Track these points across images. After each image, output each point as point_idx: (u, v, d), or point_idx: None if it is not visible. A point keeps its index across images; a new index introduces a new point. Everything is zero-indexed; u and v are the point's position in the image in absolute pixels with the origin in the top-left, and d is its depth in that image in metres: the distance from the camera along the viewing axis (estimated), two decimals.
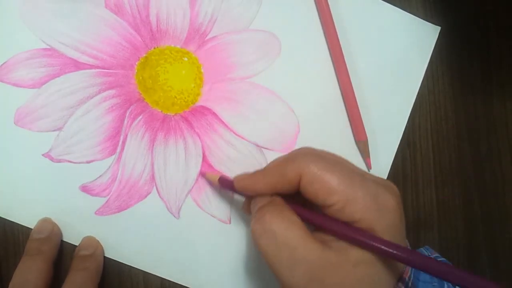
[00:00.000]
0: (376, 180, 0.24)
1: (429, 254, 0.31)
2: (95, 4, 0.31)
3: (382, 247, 0.21)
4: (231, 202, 0.32)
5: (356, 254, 0.22)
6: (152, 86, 0.32)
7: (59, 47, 0.31)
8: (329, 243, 0.23)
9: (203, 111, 0.32)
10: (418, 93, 0.35)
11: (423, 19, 0.35)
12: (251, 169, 0.28)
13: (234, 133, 0.33)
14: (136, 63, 0.32)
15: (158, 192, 0.32)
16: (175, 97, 0.32)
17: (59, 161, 0.31)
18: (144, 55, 0.32)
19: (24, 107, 0.31)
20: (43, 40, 0.31)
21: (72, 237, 0.31)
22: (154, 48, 0.32)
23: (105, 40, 0.31)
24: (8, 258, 0.31)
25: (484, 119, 0.36)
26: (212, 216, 0.32)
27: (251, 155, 0.33)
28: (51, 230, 0.29)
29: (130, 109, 0.32)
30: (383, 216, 0.23)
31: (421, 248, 0.32)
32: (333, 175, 0.23)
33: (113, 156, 0.31)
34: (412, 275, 0.25)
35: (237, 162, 0.33)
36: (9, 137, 0.30)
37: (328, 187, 0.23)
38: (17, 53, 0.31)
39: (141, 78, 0.32)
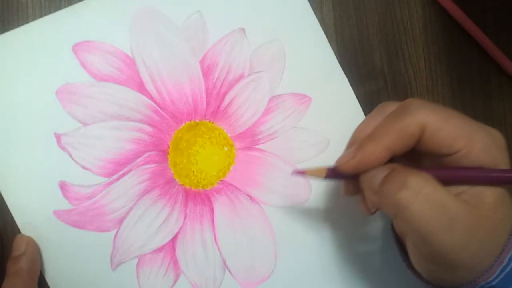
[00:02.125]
0: (482, 124, 0.24)
1: None
2: (194, 53, 0.32)
3: None
4: None
5: (490, 199, 0.22)
6: (182, 149, 0.32)
7: (139, 62, 0.32)
8: (461, 196, 0.23)
9: (205, 200, 0.32)
10: (418, 93, 0.35)
11: (422, 18, 0.35)
12: (204, 275, 0.30)
13: (214, 238, 0.32)
14: (186, 121, 0.32)
15: (115, 236, 0.31)
16: (193, 171, 0.32)
17: (62, 148, 0.31)
18: (197, 120, 0.32)
19: (73, 85, 0.31)
20: (132, 48, 0.32)
21: (21, 211, 0.31)
22: (209, 121, 0.32)
23: (178, 86, 0.32)
24: (8, 258, 0.31)
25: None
26: None
27: (213, 267, 0.32)
28: (26, 245, 0.29)
29: (150, 153, 0.32)
30: (501, 154, 0.23)
31: None
32: (456, 120, 0.23)
33: (106, 179, 0.31)
34: None
35: (197, 264, 0.32)
36: (42, 99, 0.31)
37: (455, 132, 0.22)
38: (105, 42, 0.32)
39: (180, 136, 0.32)
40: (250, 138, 0.33)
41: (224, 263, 0.32)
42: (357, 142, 0.24)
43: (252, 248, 0.32)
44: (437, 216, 0.21)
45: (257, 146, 0.33)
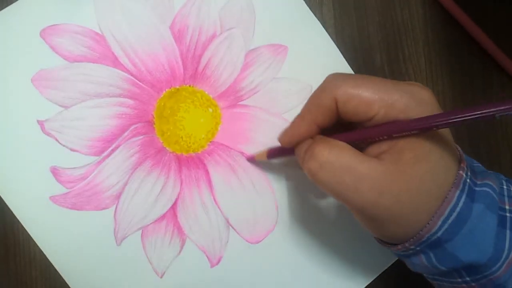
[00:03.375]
0: (407, 83, 0.24)
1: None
2: (162, 20, 0.32)
3: (432, 121, 0.21)
4: (173, 260, 0.32)
5: (410, 154, 0.22)
6: (167, 117, 0.32)
7: (109, 38, 0.31)
8: (381, 156, 0.23)
9: (198, 164, 0.32)
10: None
11: (422, 18, 0.35)
12: (209, 237, 0.29)
13: (214, 199, 0.32)
14: (166, 89, 0.32)
15: (115, 212, 0.31)
16: (182, 137, 0.32)
17: (48, 134, 0.31)
18: (177, 86, 0.32)
19: (47, 71, 0.31)
20: (99, 24, 0.31)
21: (18, 206, 0.31)
22: (189, 85, 0.32)
23: (152, 55, 0.32)
24: (8, 258, 0.31)
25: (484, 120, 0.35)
26: (149, 262, 0.31)
27: (217, 227, 0.32)
28: None
29: (136, 126, 0.32)
30: (424, 110, 0.23)
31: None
32: (366, 86, 0.23)
33: (96, 158, 0.31)
34: (468, 165, 0.24)
35: (200, 227, 0.32)
36: (18, 89, 0.31)
37: (366, 99, 0.23)
38: (71, 23, 0.31)
39: (162, 104, 0.32)
40: (232, 96, 0.33)
41: (228, 222, 0.32)
42: (302, 109, 0.26)
43: (253, 203, 0.32)
44: (342, 179, 0.23)
45: (241, 103, 0.33)
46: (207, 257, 0.32)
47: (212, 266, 0.32)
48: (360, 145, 0.24)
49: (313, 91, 0.25)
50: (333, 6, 0.34)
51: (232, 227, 0.32)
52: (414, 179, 0.22)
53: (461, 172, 0.23)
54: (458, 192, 0.23)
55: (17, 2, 0.31)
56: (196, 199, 0.32)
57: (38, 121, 0.31)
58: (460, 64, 0.35)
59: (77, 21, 0.31)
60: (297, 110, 0.32)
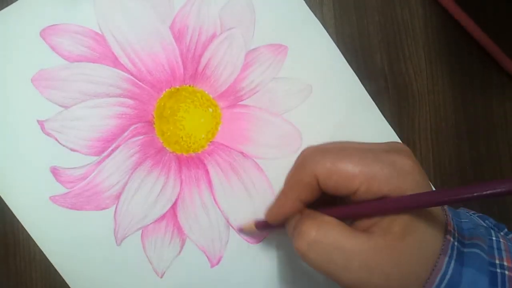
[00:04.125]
0: (387, 149, 0.24)
1: (467, 211, 0.31)
2: (162, 20, 0.32)
3: (421, 200, 0.21)
4: (174, 259, 0.32)
5: (398, 228, 0.22)
6: (167, 117, 0.32)
7: (109, 38, 0.31)
8: (370, 229, 0.23)
9: (198, 164, 0.32)
10: (418, 93, 0.35)
11: (422, 18, 0.35)
12: (209, 237, 0.30)
13: (214, 199, 0.32)
14: (166, 89, 0.32)
15: (115, 212, 0.31)
16: (182, 137, 0.32)
17: (48, 134, 0.31)
18: (177, 86, 0.32)
19: (47, 71, 0.31)
20: (99, 24, 0.31)
21: (18, 206, 0.31)
22: (189, 85, 0.32)
23: (152, 55, 0.32)
24: (8, 258, 0.31)
25: (484, 119, 0.36)
26: (149, 262, 0.31)
27: (217, 227, 0.32)
28: None
29: (136, 126, 0.32)
30: (405, 181, 0.23)
31: (458, 210, 0.32)
32: (345, 161, 0.23)
33: (96, 158, 0.31)
34: (455, 225, 0.24)
35: (200, 227, 0.32)
36: (18, 89, 0.31)
37: (346, 174, 0.23)
38: (71, 23, 0.31)
39: (162, 104, 0.32)
40: (233, 96, 0.33)
41: (228, 222, 0.32)
42: (283, 186, 0.27)
43: (253, 203, 0.32)
44: (331, 258, 0.22)
45: (241, 103, 0.33)
46: (207, 257, 0.32)
47: (212, 266, 0.32)
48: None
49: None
50: (333, 6, 0.34)
51: (233, 227, 0.32)
52: (404, 254, 0.22)
53: (448, 236, 0.23)
54: (446, 258, 0.22)
55: (17, 2, 0.31)
56: (196, 199, 0.32)
57: (38, 121, 0.31)
58: (460, 64, 0.35)
59: (77, 21, 0.31)
60: (298, 110, 0.33)
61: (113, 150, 0.31)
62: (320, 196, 0.25)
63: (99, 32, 0.31)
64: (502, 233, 0.30)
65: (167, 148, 0.32)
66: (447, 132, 0.35)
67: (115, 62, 0.31)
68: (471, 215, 0.32)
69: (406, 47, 0.35)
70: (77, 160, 0.31)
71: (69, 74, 0.31)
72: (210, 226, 0.32)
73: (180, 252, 0.32)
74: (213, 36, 0.32)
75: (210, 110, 0.33)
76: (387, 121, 0.34)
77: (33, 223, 0.31)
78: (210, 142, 0.33)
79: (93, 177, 0.31)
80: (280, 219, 0.27)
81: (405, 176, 0.23)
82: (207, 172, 0.32)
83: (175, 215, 0.32)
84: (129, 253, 0.31)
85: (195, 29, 0.32)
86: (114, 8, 0.31)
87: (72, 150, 0.31)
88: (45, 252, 0.31)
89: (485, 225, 0.31)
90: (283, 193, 0.26)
